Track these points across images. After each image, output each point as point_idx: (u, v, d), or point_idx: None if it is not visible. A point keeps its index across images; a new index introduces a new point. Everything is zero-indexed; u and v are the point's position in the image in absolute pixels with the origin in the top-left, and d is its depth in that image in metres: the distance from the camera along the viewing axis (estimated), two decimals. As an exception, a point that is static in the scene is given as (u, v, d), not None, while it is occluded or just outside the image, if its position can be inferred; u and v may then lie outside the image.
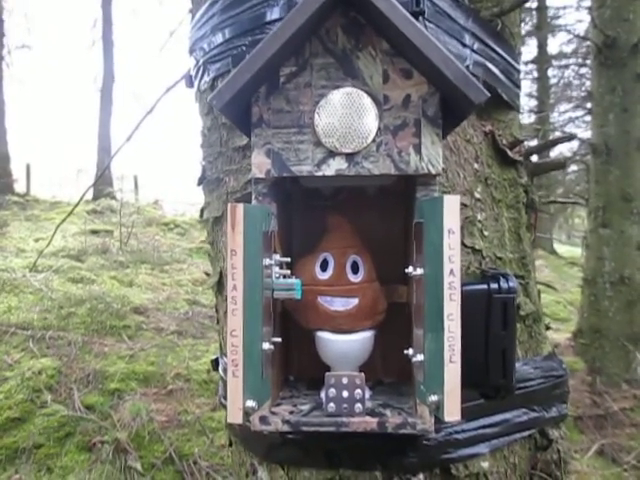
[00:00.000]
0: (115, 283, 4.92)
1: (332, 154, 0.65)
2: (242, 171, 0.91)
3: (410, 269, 0.65)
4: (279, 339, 0.68)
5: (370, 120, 0.65)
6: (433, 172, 0.65)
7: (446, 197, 0.57)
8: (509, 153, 1.10)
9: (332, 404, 0.68)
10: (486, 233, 1.00)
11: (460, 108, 0.64)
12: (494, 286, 0.72)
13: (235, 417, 0.58)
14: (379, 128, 0.65)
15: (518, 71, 1.10)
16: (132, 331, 3.93)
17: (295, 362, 0.86)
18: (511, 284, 0.72)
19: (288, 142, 0.66)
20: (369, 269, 0.74)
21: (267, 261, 0.64)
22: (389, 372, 0.84)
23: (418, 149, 0.65)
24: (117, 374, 3.19)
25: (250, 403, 0.59)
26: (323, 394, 0.69)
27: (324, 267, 0.74)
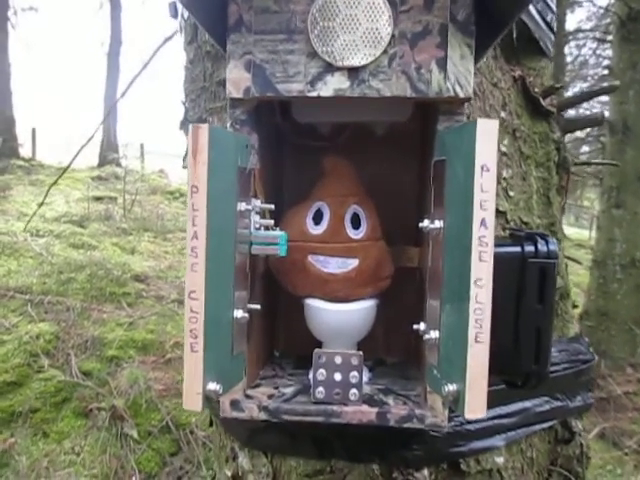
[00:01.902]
0: (117, 250, 4.83)
1: (330, 69, 0.50)
2: (227, 108, 0.76)
3: (425, 222, 0.50)
4: (257, 306, 0.55)
5: (381, 24, 0.49)
6: (462, 95, 0.50)
7: (480, 121, 0.42)
8: (542, 102, 0.94)
9: (321, 388, 0.54)
10: (511, 193, 0.86)
11: (502, 10, 0.48)
12: (529, 249, 0.57)
13: (192, 403, 0.45)
14: (393, 35, 0.49)
15: (553, 12, 0.94)
16: (132, 298, 3.86)
17: (281, 335, 0.73)
18: (551, 247, 0.57)
19: (274, 52, 0.51)
20: (373, 224, 0.60)
21: (243, 206, 0.50)
22: (393, 350, 0.71)
23: (443, 64, 0.50)
24: (115, 341, 3.11)
25: (212, 386, 0.45)
26: (311, 375, 0.55)
27: (317, 219, 0.59)
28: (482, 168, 0.42)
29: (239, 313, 0.51)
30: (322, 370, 0.55)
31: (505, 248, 0.57)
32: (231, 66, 0.51)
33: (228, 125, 0.54)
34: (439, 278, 0.49)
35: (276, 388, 0.59)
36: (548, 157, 0.99)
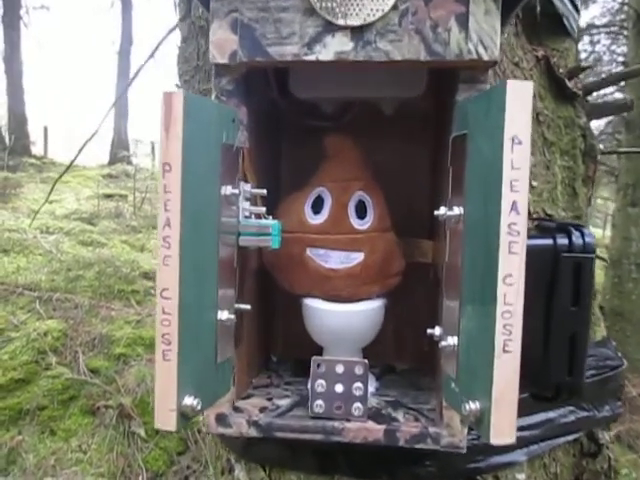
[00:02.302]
0: (126, 247, 4.82)
1: (330, 28, 0.43)
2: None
3: (442, 210, 0.43)
4: (247, 306, 0.48)
5: (390, -25, 0.41)
6: (486, 58, 0.42)
7: (511, 83, 0.35)
8: (567, 84, 0.86)
9: (320, 402, 0.47)
10: (534, 183, 0.78)
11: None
12: (562, 241, 0.50)
13: (165, 421, 0.38)
14: (404, -12, 0.42)
15: (579, -11, 0.85)
16: (140, 296, 3.83)
17: (279, 337, 0.66)
18: (587, 239, 0.50)
19: (264, 9, 0.43)
20: (381, 213, 0.52)
21: (228, 190, 0.43)
22: (404, 356, 0.63)
23: (464, 22, 0.42)
24: (123, 339, 3.08)
25: (189, 401, 0.38)
26: (310, 386, 0.48)
27: (317, 207, 0.52)
28: (513, 140, 0.35)
29: (224, 314, 0.44)
30: (321, 381, 0.47)
31: (534, 240, 0.50)
32: (215, 26, 0.44)
33: (213, 96, 0.46)
34: (458, 275, 0.41)
35: (270, 399, 0.52)
36: (574, 144, 0.91)
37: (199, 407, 0.39)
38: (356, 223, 0.51)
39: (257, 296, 0.56)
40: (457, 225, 0.42)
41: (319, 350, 0.56)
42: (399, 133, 0.61)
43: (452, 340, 0.42)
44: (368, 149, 0.56)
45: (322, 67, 0.54)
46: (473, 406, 0.37)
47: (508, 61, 0.74)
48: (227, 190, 0.43)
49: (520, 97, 0.35)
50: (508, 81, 0.35)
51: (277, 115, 0.61)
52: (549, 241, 0.50)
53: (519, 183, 0.35)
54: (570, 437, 0.77)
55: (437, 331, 0.46)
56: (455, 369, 0.42)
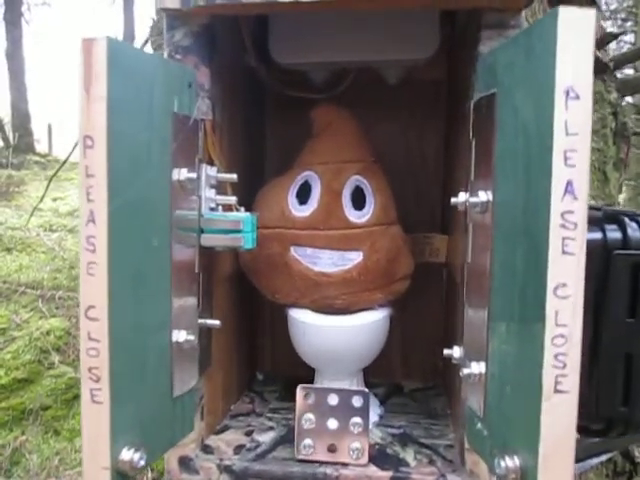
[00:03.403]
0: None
1: (312, -42, 0.32)
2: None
3: (461, 197, 0.33)
4: (216, 322, 0.38)
5: None
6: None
7: (564, 11, 0.24)
8: (597, 53, 0.75)
9: (308, 441, 0.37)
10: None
11: None
12: (614, 235, 0.39)
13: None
14: None
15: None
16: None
17: (267, 352, 0.56)
18: (646, 233, 0.39)
19: (226, -63, 0.33)
20: (383, 202, 0.42)
21: (183, 174, 0.33)
22: (413, 374, 0.54)
23: (490, -56, 0.31)
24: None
25: (128, 455, 0.29)
26: (296, 421, 0.38)
27: (304, 196, 0.42)
28: (567, 94, 0.24)
29: (181, 335, 0.34)
30: (310, 415, 0.38)
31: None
32: (163, -39, 0.34)
33: (165, 54, 0.36)
34: (485, 280, 0.31)
35: (249, 433, 0.42)
36: (603, 123, 0.80)
37: (142, 462, 0.29)
38: (352, 215, 0.41)
39: (235, 305, 0.47)
40: (483, 215, 0.32)
41: (311, 368, 0.46)
42: (405, 106, 0.51)
43: (478, 367, 0.32)
44: (367, 126, 0.45)
45: (307, 23, 0.44)
46: (511, 463, 0.27)
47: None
48: (181, 174, 0.33)
49: (578, 32, 0.24)
50: (560, 8, 0.24)
51: (256, 85, 0.51)
52: (597, 235, 0.39)
53: (576, 155, 0.25)
54: (603, 457, 0.66)
55: (456, 352, 0.35)
56: (482, 406, 0.32)
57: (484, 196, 0.31)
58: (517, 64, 0.28)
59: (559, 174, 0.25)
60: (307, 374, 0.46)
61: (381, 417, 0.45)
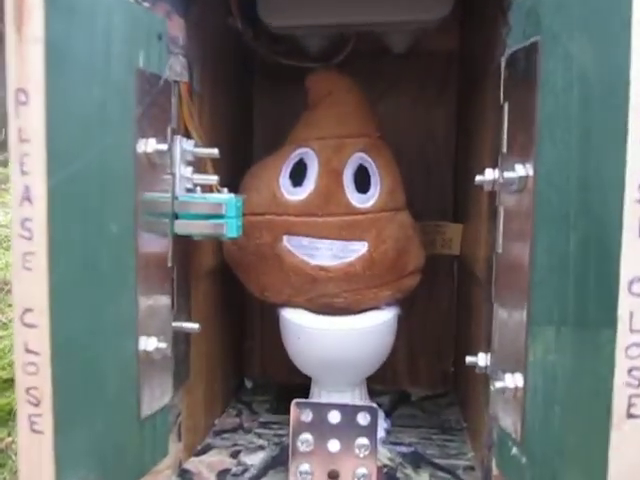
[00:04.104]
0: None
1: None
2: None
3: (488, 174, 0.27)
4: (195, 325, 0.31)
5: None
6: None
7: None
8: None
9: (306, 466, 0.31)
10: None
11: None
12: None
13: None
14: None
15: None
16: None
17: (256, 356, 0.50)
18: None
19: None
20: (391, 184, 0.36)
21: (151, 145, 0.27)
22: (421, 380, 0.48)
23: None
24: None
25: None
26: (290, 442, 0.32)
27: (298, 176, 0.36)
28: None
29: (151, 343, 0.28)
30: (307, 436, 0.32)
31: None
32: None
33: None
34: (522, 275, 0.26)
35: (236, 455, 0.36)
36: None
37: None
38: (355, 199, 0.35)
39: (219, 305, 0.40)
40: (520, 194, 0.26)
41: (305, 375, 0.40)
42: (411, 79, 0.45)
43: (513, 380, 0.26)
44: (371, 102, 0.39)
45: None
46: (564, 505, 0.21)
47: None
48: (149, 145, 0.27)
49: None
50: None
51: (243, 51, 0.44)
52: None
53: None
54: None
55: (482, 360, 0.30)
56: (519, 427, 0.26)
57: (521, 170, 0.26)
58: (571, 3, 0.22)
59: (637, 136, 0.19)
60: (302, 381, 0.40)
61: (388, 432, 0.40)
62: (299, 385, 0.40)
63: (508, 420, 0.28)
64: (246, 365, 0.50)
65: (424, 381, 0.48)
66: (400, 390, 0.48)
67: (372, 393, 0.42)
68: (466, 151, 0.41)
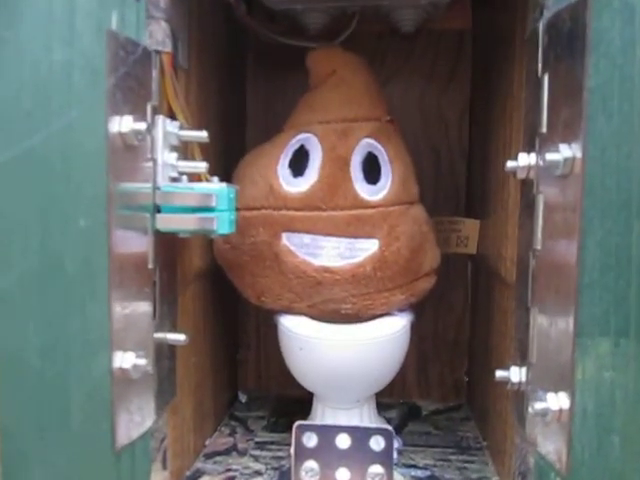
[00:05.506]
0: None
1: None
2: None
3: (522, 159, 0.23)
4: (181, 336, 0.27)
5: None
6: None
7: None
8: None
9: (310, 500, 0.27)
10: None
11: None
12: None
13: None
14: None
15: None
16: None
17: (250, 369, 0.45)
18: None
19: None
20: (403, 175, 0.32)
21: (125, 124, 0.22)
22: (432, 392, 0.44)
23: None
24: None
25: None
26: (292, 464, 0.28)
27: (299, 166, 0.31)
28: None
29: (128, 358, 0.23)
30: (312, 463, 0.27)
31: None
32: None
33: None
34: (569, 277, 0.21)
35: (229, 482, 0.32)
36: None
37: None
38: (364, 191, 0.31)
39: (209, 312, 0.36)
40: (565, 180, 0.22)
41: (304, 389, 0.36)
42: (421, 61, 0.42)
43: (557, 401, 0.22)
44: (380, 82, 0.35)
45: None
46: None
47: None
48: (124, 124, 0.23)
49: None
50: None
51: (236, 28, 0.40)
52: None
53: None
54: None
55: (515, 375, 0.26)
56: (564, 457, 0.22)
57: (567, 151, 0.22)
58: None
59: None
60: (301, 394, 0.36)
61: (400, 452, 0.36)
62: (298, 398, 0.36)
63: (549, 446, 0.23)
64: (240, 377, 0.46)
65: (435, 392, 0.44)
66: (409, 403, 0.44)
67: (379, 407, 0.38)
68: (483, 138, 0.37)
